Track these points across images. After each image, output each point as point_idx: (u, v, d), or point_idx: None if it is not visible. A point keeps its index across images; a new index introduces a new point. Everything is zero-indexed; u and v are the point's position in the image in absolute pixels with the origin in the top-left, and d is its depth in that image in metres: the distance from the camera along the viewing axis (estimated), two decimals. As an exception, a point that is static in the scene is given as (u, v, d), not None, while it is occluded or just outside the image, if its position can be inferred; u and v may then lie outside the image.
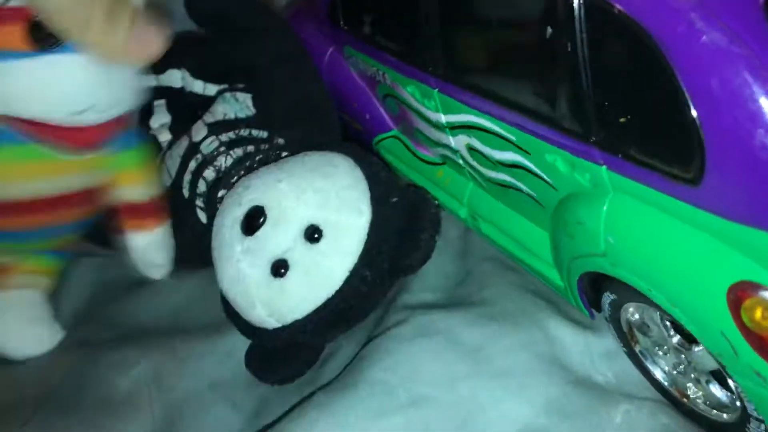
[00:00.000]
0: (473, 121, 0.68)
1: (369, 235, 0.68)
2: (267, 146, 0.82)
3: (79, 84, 0.66)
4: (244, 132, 0.84)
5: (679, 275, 0.53)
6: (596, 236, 0.58)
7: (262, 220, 0.67)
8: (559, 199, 0.64)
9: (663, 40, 0.48)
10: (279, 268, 0.67)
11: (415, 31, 0.69)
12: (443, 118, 0.72)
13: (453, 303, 0.71)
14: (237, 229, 0.68)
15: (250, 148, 0.82)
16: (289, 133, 0.83)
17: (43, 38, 0.63)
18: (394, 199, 0.72)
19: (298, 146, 0.80)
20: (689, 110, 0.48)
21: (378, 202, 0.70)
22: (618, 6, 0.50)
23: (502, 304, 0.68)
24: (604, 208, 0.58)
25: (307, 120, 0.84)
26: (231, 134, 0.83)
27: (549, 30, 0.56)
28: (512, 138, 0.64)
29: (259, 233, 0.67)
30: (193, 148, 0.84)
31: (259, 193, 0.69)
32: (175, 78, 0.92)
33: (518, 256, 0.73)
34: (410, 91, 0.75)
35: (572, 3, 0.52)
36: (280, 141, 0.82)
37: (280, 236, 0.67)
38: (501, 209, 0.74)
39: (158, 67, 0.91)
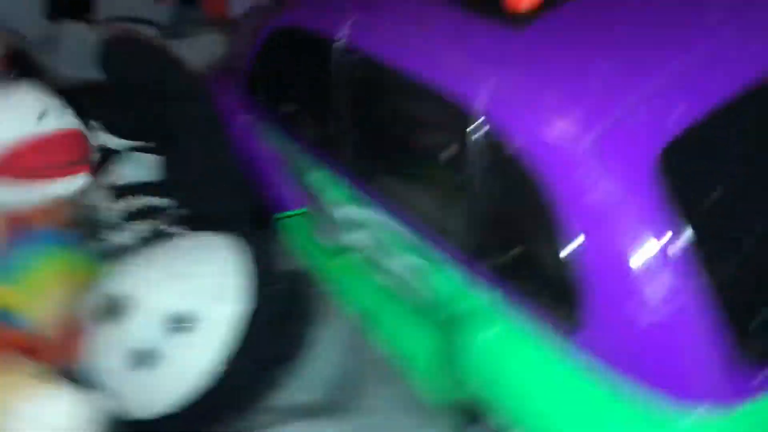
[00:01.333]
0: (375, 218, 0.66)
1: (241, 327, 0.64)
2: (166, 219, 0.78)
3: None
4: (146, 200, 0.80)
5: (562, 422, 0.51)
6: (479, 365, 0.57)
7: (121, 309, 0.63)
8: (449, 314, 0.62)
9: (556, 187, 0.47)
10: (141, 359, 0.62)
11: (326, 121, 0.67)
12: (347, 210, 0.70)
13: (325, 409, 0.68)
14: (98, 319, 0.63)
15: (150, 219, 0.78)
16: (193, 204, 0.79)
17: None
18: (275, 287, 0.69)
19: (199, 219, 0.77)
20: (573, 260, 0.47)
21: (256, 291, 0.66)
22: (516, 144, 0.49)
23: (373, 416, 0.65)
24: (489, 336, 0.56)
25: (214, 192, 0.81)
26: (133, 202, 0.80)
27: (450, 151, 0.54)
28: (410, 243, 0.62)
29: (117, 323, 0.62)
30: (93, 214, 0.80)
31: (119, 282, 0.64)
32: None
33: (401, 361, 0.70)
34: (317, 177, 0.73)
35: (473, 131, 0.51)
36: (183, 212, 0.79)
37: (140, 326, 0.62)
38: (392, 310, 0.72)
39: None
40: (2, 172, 0.56)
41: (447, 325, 0.62)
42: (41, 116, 0.58)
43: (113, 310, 0.63)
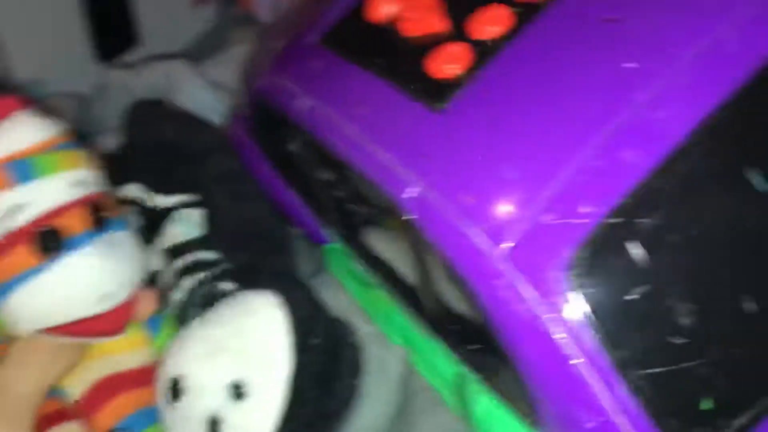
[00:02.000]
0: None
1: (290, 387, 0.68)
2: (212, 274, 0.83)
3: (97, 276, 0.64)
4: (193, 256, 0.85)
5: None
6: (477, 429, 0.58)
7: (183, 388, 0.68)
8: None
9: (481, 299, 0.46)
10: (214, 425, 0.67)
11: (310, 191, 0.68)
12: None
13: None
14: (167, 398, 0.69)
15: (200, 275, 0.83)
16: (235, 256, 0.84)
17: (51, 246, 0.61)
18: (316, 341, 0.72)
19: (243, 272, 0.81)
20: (515, 368, 0.46)
21: (298, 349, 0.70)
22: (443, 251, 0.48)
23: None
24: (481, 405, 0.56)
25: (253, 242, 0.85)
26: (181, 261, 0.85)
27: (405, 246, 0.54)
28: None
29: (183, 400, 0.68)
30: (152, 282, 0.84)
31: (176, 363, 0.70)
32: (133, 191, 0.93)
33: (443, 396, 0.72)
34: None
35: (410, 232, 0.51)
36: (227, 266, 0.83)
37: (204, 399, 0.67)
38: (427, 346, 0.73)
39: (117, 180, 0.93)
40: None
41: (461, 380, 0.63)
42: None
43: (176, 389, 0.71)
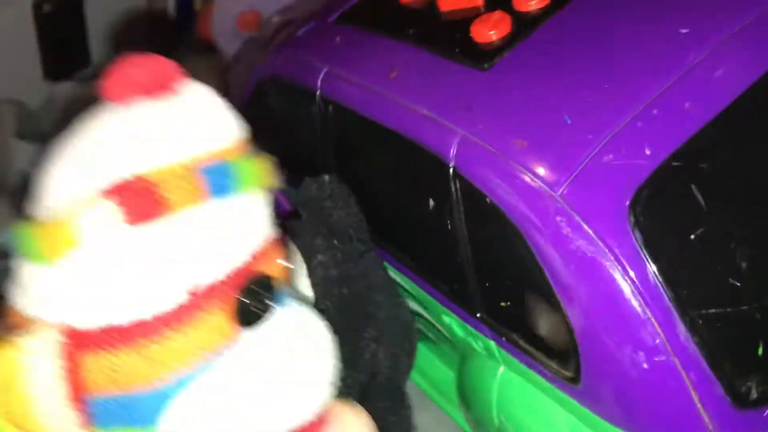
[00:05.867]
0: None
1: None
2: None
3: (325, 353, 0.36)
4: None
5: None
6: (490, 409, 0.56)
7: None
8: (461, 356, 0.61)
9: (533, 241, 0.46)
10: None
11: (318, 172, 0.66)
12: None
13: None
14: None
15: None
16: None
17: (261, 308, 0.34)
18: None
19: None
20: (562, 314, 0.45)
21: None
22: (490, 197, 0.48)
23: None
24: (496, 381, 0.55)
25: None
26: None
27: (431, 203, 0.53)
28: (410, 290, 0.61)
29: None
30: None
31: None
32: None
33: (433, 398, 0.70)
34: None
35: (449, 184, 0.50)
36: None
37: None
38: (425, 350, 0.71)
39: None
40: None
41: (464, 365, 0.61)
42: None
43: None
